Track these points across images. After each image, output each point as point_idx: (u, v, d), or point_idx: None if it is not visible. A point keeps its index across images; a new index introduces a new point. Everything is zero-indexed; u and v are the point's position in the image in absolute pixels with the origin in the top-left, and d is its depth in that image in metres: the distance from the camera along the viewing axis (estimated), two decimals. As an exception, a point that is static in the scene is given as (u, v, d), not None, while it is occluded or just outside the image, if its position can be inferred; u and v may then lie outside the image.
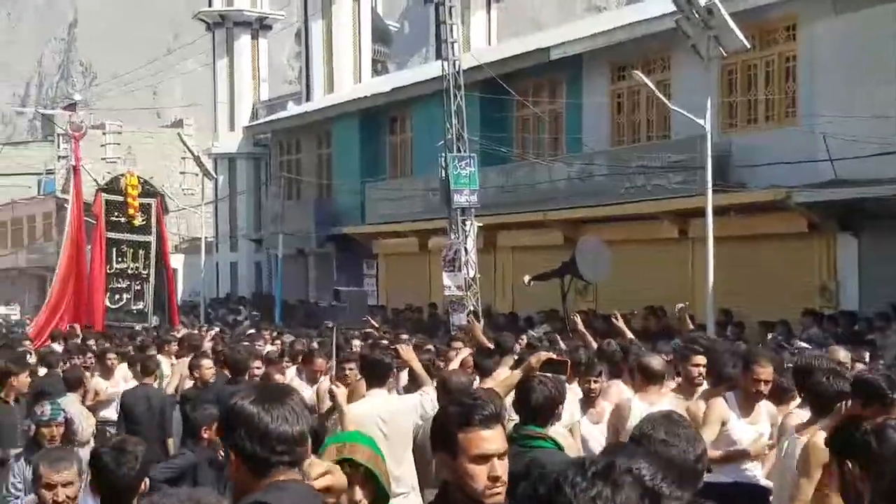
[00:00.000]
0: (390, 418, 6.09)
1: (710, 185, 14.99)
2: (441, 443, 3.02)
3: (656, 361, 6.76)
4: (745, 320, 16.54)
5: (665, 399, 6.50)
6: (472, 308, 18.71)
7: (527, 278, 16.05)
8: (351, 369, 7.75)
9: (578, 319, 10.99)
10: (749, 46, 14.97)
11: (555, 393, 4.78)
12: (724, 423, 6.26)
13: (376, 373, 6.41)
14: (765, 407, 6.41)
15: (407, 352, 6.80)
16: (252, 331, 17.80)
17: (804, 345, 12.56)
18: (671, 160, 18.04)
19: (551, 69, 21.47)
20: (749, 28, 15.71)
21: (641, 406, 6.34)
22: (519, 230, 22.28)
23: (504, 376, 5.74)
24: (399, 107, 26.75)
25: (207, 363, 9.27)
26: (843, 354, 8.02)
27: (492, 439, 3.00)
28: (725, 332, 15.75)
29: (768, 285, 17.05)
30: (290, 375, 10.15)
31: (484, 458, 2.96)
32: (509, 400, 5.95)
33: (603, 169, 19.76)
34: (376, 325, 16.03)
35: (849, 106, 14.73)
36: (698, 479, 3.11)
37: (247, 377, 8.94)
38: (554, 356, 5.91)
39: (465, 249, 18.86)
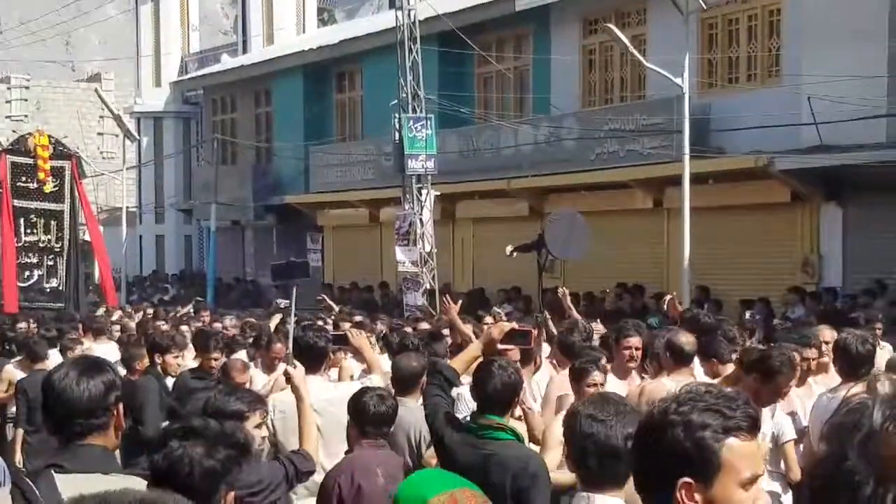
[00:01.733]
0: (324, 409, 6.09)
1: (687, 150, 15.64)
2: (679, 464, 2.24)
3: (686, 339, 6.92)
4: (724, 298, 17.26)
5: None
6: (428, 286, 19.19)
7: (509, 248, 16.57)
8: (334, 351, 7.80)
9: (567, 293, 11.41)
10: (730, -2, 15.58)
11: (515, 379, 4.86)
12: None
13: (310, 358, 6.40)
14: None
15: (358, 337, 6.96)
16: (185, 311, 17.80)
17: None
18: (646, 123, 18.69)
19: (517, 21, 21.93)
20: (731, -22, 16.34)
21: (674, 387, 6.72)
22: (480, 200, 22.79)
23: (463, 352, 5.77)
24: (347, 61, 27.07)
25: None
26: (828, 334, 8.38)
27: (759, 453, 2.40)
28: (702, 310, 16.43)
29: (748, 260, 17.81)
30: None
31: (753, 482, 2.29)
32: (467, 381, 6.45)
33: (573, 133, 20.30)
34: (332, 304, 16.45)
35: (836, 66, 15.31)
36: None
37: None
38: (517, 325, 6.37)
39: (421, 221, 19.29)
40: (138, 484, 2.99)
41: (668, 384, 6.51)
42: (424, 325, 10.22)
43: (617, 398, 3.60)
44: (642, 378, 7.38)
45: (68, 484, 3.23)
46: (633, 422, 3.26)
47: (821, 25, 16.35)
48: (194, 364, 8.97)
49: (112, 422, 3.47)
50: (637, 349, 7.50)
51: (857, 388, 6.14)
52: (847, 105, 15.12)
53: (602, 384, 6.05)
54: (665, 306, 12.88)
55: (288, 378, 5.30)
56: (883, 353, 8.29)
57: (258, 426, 4.84)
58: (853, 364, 6.53)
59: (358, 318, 12.44)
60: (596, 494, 3.25)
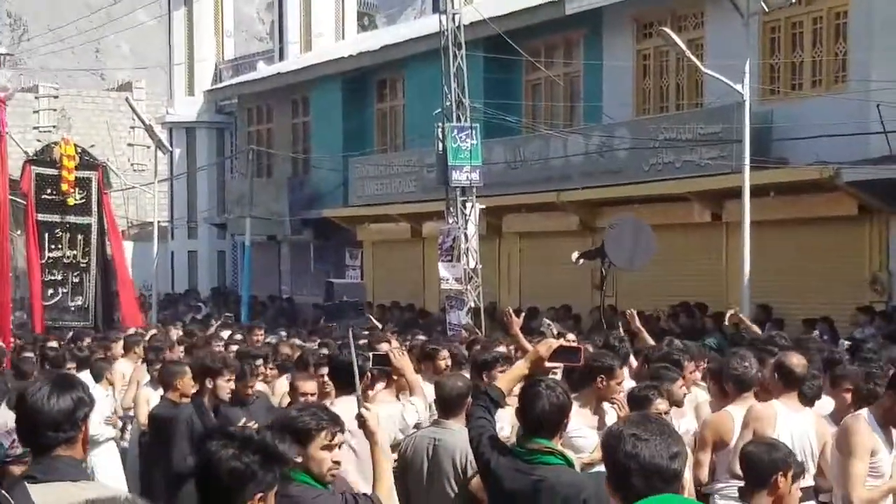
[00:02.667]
0: (360, 432, 6.14)
1: (747, 161, 15.63)
2: None
3: (798, 361, 6.93)
4: (786, 317, 17.23)
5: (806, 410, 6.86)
6: (473, 304, 19.27)
7: (575, 255, 16.69)
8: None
9: (635, 314, 11.35)
10: (794, 0, 15.62)
11: (564, 400, 4.96)
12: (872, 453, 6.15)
13: (347, 378, 6.36)
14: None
15: (400, 359, 7.02)
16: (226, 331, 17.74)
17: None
18: (703, 132, 18.71)
19: (567, 25, 22.02)
20: (795, -22, 16.38)
21: (787, 413, 6.67)
22: (528, 213, 22.86)
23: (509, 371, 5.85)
24: (389, 68, 27.27)
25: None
26: None
27: None
28: (764, 329, 16.43)
29: (812, 277, 17.77)
30: (281, 388, 9.85)
31: None
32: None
33: (625, 142, 20.35)
34: (377, 323, 16.43)
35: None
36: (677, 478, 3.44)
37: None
38: (565, 342, 6.45)
39: (466, 236, 19.35)
40: (104, 490, 3.52)
41: (784, 411, 6.65)
42: (501, 348, 10.06)
43: (657, 418, 3.69)
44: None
45: (39, 493, 3.69)
46: (677, 440, 3.45)
47: (890, 28, 16.35)
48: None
49: (80, 435, 3.92)
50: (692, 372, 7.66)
51: None
52: (919, 113, 15.15)
53: (667, 412, 6.08)
54: (727, 321, 12.96)
55: (361, 422, 5.13)
56: None
57: (325, 448, 4.74)
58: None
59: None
60: None
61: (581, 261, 16.54)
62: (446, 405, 6.56)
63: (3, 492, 3.80)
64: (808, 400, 7.06)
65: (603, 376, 7.00)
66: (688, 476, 6.19)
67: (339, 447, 4.84)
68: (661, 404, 6.15)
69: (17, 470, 5.44)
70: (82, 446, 3.94)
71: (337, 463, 4.81)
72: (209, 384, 8.28)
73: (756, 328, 13.29)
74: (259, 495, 3.36)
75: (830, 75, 18.40)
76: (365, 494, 4.88)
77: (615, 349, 8.82)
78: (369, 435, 5.11)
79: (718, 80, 16.14)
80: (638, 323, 11.32)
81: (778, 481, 4.87)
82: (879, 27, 16.68)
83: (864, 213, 17.44)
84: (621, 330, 10.96)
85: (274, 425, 4.83)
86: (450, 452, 6.21)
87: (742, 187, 15.72)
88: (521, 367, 5.42)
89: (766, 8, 15.59)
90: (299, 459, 4.62)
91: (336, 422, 4.84)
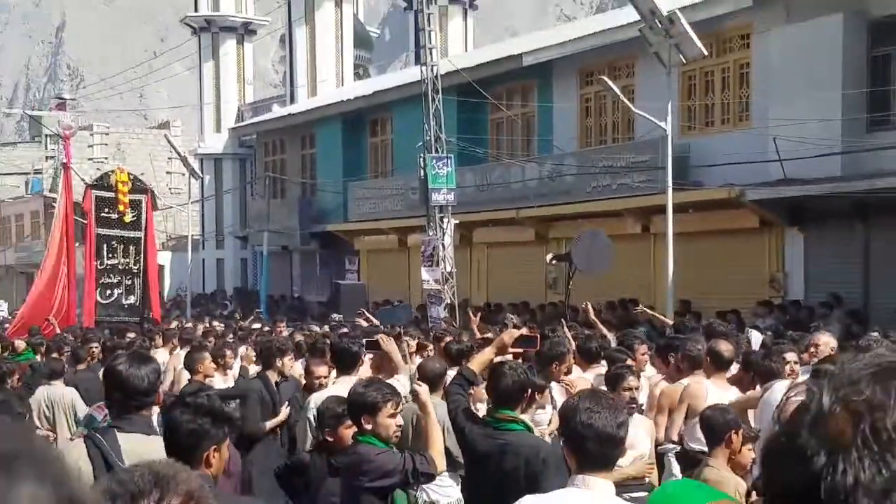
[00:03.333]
0: None
1: (670, 184, 15.68)
2: None
3: (726, 347, 6.89)
4: (703, 310, 17.30)
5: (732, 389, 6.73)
6: (449, 301, 19.31)
7: (549, 256, 16.69)
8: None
9: (590, 307, 11.31)
10: (706, 54, 15.63)
11: (525, 378, 4.92)
12: None
13: (345, 361, 6.55)
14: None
15: (387, 342, 6.94)
16: (257, 325, 17.58)
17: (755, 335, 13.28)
18: (634, 160, 18.81)
19: (524, 74, 22.14)
20: (707, 37, 16.41)
21: (717, 392, 6.57)
22: (493, 227, 22.89)
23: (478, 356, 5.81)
24: (380, 110, 27.31)
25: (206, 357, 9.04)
26: (825, 338, 7.92)
27: None
28: (684, 320, 16.49)
29: (723, 277, 17.87)
30: (297, 371, 9.27)
31: None
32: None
33: (572, 169, 20.42)
34: (372, 318, 16.42)
35: (797, 110, 15.47)
36: (623, 443, 3.45)
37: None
38: (525, 331, 6.27)
39: (443, 245, 19.38)
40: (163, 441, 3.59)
41: (715, 390, 6.59)
42: (489, 335, 10.00)
43: (605, 393, 3.67)
44: None
45: (123, 439, 3.87)
46: (622, 412, 3.45)
47: (784, 76, 16.49)
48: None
49: (155, 399, 4.22)
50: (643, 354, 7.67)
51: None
52: (807, 144, 15.25)
53: (637, 388, 5.96)
54: (639, 314, 12.92)
55: (416, 396, 5.07)
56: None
57: (391, 416, 4.71)
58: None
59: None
60: (591, 476, 3.29)
61: (554, 261, 16.51)
62: (427, 383, 6.33)
63: (97, 434, 3.97)
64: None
65: (556, 362, 6.99)
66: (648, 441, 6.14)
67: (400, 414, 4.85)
68: (632, 381, 6.03)
69: None
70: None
71: (399, 426, 4.79)
72: (278, 363, 8.32)
73: (666, 319, 13.23)
74: (213, 447, 3.41)
75: (736, 114, 18.52)
76: (421, 453, 4.78)
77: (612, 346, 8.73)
78: (422, 406, 5.03)
79: (646, 119, 16.17)
80: (593, 315, 11.35)
81: (731, 437, 4.92)
82: (775, 76, 16.80)
83: (764, 226, 17.53)
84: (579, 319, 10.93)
85: (348, 399, 4.85)
86: None
87: (666, 205, 15.77)
88: (489, 352, 5.37)
89: (684, 60, 15.67)
90: (368, 427, 4.66)
91: (397, 394, 4.83)
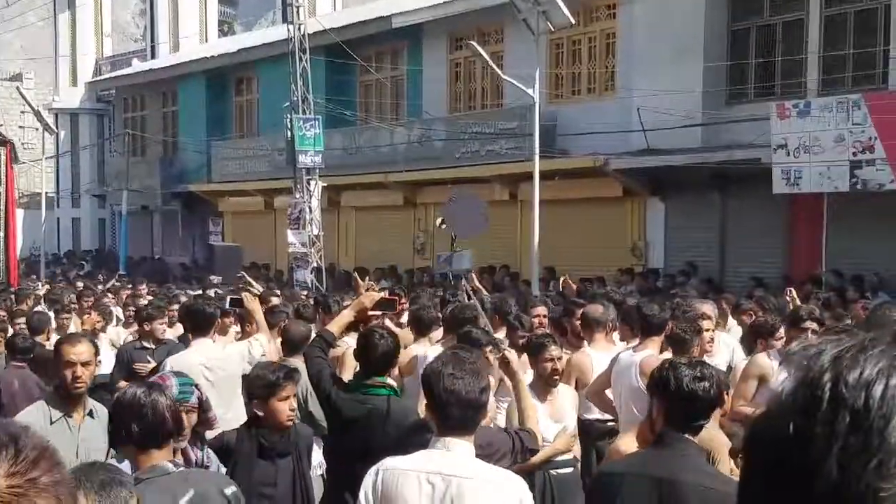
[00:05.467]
0: (215, 366, 6.15)
1: (537, 151, 15.69)
2: None
3: (599, 310, 6.86)
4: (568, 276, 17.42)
5: (614, 348, 6.60)
6: (316, 264, 18.93)
7: (439, 220, 16.21)
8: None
9: (475, 278, 11.18)
10: (573, 22, 15.59)
11: (392, 344, 4.89)
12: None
13: (199, 323, 6.41)
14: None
15: (252, 301, 6.80)
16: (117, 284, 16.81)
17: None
18: (503, 127, 18.75)
19: (393, 37, 21.75)
20: (574, 5, 16.39)
21: (599, 356, 6.49)
22: (362, 191, 22.56)
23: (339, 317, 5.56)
24: (245, 68, 26.49)
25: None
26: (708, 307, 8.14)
27: None
28: (549, 287, 16.57)
29: (588, 244, 18.07)
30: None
31: None
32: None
33: (441, 134, 20.26)
34: (252, 282, 15.57)
35: (660, 82, 15.65)
36: (484, 407, 3.43)
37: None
38: (385, 295, 6.14)
39: (310, 208, 19.03)
40: None
41: (596, 354, 6.54)
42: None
43: (468, 357, 3.53)
44: None
45: None
46: (485, 377, 3.43)
47: (648, 48, 16.66)
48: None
49: None
50: (545, 317, 7.45)
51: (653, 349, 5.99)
52: (669, 115, 15.46)
53: (559, 358, 5.77)
54: (561, 287, 12.83)
55: (505, 362, 4.79)
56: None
57: (283, 399, 4.58)
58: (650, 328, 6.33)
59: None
60: (452, 438, 3.30)
61: (443, 226, 16.07)
62: (292, 345, 6.49)
63: None
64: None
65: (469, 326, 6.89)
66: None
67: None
68: (554, 351, 5.76)
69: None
70: None
71: (293, 410, 4.70)
72: (147, 327, 8.21)
73: (573, 284, 13.03)
74: None
75: (602, 84, 18.65)
76: (522, 429, 4.53)
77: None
78: (511, 375, 4.79)
79: (514, 86, 16.07)
80: (477, 283, 11.27)
81: (723, 396, 4.77)
82: (640, 47, 16.95)
83: (627, 195, 17.77)
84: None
85: (250, 377, 4.74)
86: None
87: (533, 172, 15.77)
88: (348, 314, 5.19)
89: (552, 28, 15.59)
90: (260, 413, 4.58)
91: (294, 376, 4.70)
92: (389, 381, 4.95)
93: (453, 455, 3.29)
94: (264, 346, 6.42)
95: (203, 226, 27.36)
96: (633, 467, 3.39)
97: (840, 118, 13.81)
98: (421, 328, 7.48)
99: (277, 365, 5.03)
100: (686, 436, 3.30)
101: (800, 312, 6.29)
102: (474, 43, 17.08)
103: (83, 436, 4.58)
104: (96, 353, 5.02)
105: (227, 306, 7.16)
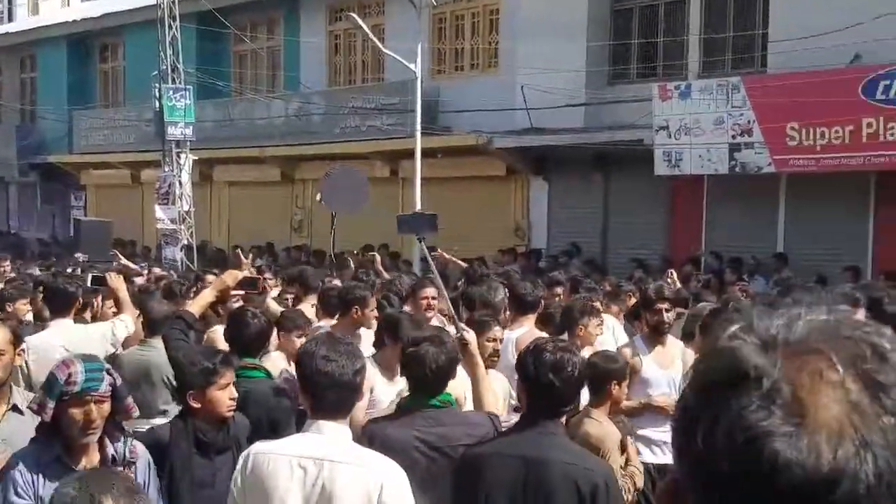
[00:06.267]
0: (74, 347, 5.70)
1: (419, 128, 15.41)
2: None
3: (529, 289, 6.68)
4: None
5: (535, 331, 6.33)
6: (186, 242, 18.15)
7: (319, 196, 15.50)
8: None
9: (377, 257, 11.22)
10: (458, -3, 15.34)
11: (264, 325, 4.89)
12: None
13: (60, 302, 6.21)
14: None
15: (116, 280, 6.43)
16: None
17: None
18: (384, 102, 18.27)
19: (269, 6, 20.99)
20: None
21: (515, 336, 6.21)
22: (236, 165, 21.76)
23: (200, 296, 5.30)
24: (110, 34, 25.12)
25: None
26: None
27: None
28: (474, 266, 16.14)
29: (471, 224, 17.78)
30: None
31: None
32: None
33: (320, 108, 19.69)
34: (126, 261, 14.47)
35: (544, 60, 15.45)
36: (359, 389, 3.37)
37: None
38: (248, 274, 5.89)
39: (180, 183, 18.28)
40: None
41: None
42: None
43: (342, 339, 3.50)
44: None
45: None
46: (360, 359, 3.37)
47: (532, 24, 16.41)
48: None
49: None
50: (434, 298, 7.09)
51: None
52: (553, 94, 15.29)
53: (501, 339, 5.56)
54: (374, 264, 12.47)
55: (464, 343, 4.45)
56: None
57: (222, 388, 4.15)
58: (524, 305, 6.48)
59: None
60: (326, 421, 3.24)
61: (323, 201, 15.40)
62: (154, 326, 6.23)
63: None
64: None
65: (357, 307, 6.60)
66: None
67: None
68: (497, 331, 5.51)
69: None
70: None
71: (234, 399, 4.28)
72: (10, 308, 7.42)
73: (461, 263, 12.75)
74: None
75: (486, 60, 18.36)
76: (490, 413, 4.31)
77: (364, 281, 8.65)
78: (469, 357, 4.55)
79: (396, 60, 15.65)
80: (379, 265, 11.27)
81: (612, 388, 4.93)
82: (523, 23, 16.71)
83: (510, 174, 17.59)
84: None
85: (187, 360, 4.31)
86: (156, 367, 5.93)
87: (414, 149, 15.46)
88: (209, 293, 4.96)
89: (434, 2, 15.28)
90: (197, 405, 4.18)
91: (230, 363, 4.35)
92: (261, 363, 4.87)
93: (326, 438, 3.22)
94: (129, 326, 6.12)
95: (64, 199, 26.03)
96: (500, 447, 3.54)
97: (720, 101, 13.90)
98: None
99: (210, 350, 4.74)
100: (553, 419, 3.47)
101: (649, 293, 6.47)
102: (354, 14, 16.64)
103: (5, 433, 3.98)
104: (15, 340, 4.33)
105: (89, 285, 6.79)
